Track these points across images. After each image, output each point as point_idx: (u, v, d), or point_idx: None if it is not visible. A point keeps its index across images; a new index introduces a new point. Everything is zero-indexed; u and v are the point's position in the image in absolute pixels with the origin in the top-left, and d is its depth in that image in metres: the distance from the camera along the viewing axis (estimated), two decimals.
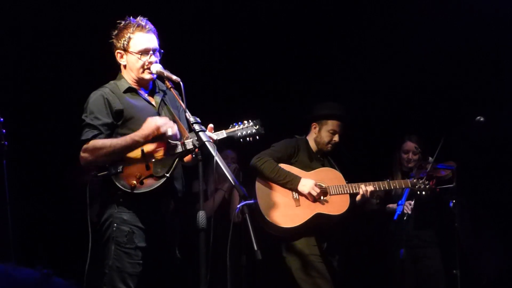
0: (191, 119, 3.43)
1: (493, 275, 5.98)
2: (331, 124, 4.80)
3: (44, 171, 5.37)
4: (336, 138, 4.79)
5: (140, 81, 3.74)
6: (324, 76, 6.05)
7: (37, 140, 5.37)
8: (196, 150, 3.48)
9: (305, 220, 4.53)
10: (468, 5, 5.62)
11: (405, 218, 4.68)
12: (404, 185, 4.78)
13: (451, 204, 4.95)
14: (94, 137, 3.52)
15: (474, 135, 5.19)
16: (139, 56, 3.66)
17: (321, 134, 4.82)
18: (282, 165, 4.64)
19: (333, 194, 4.63)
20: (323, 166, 4.81)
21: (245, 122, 3.73)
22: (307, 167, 4.73)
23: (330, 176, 4.72)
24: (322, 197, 4.59)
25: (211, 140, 3.40)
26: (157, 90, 3.83)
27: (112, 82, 3.75)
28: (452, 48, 5.81)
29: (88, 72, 5.11)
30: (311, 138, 4.88)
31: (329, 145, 4.81)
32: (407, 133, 5.62)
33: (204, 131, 3.41)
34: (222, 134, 3.64)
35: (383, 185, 4.70)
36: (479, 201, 5.91)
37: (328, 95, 6.06)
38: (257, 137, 3.67)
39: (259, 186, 4.58)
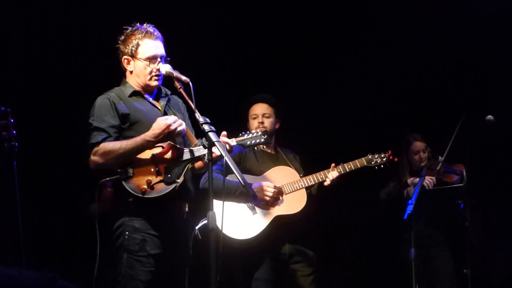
0: (201, 119, 3.42)
1: (503, 275, 5.97)
2: (250, 112, 4.78)
3: (54, 173, 5.38)
4: (259, 119, 4.72)
5: (146, 88, 3.75)
6: (328, 76, 6.04)
7: (47, 141, 5.38)
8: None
9: (265, 226, 4.43)
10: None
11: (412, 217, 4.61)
12: (359, 163, 4.64)
13: (462, 207, 4.91)
14: (104, 140, 3.53)
15: (485, 135, 5.15)
16: (147, 63, 3.67)
17: (249, 125, 4.78)
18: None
19: (288, 193, 4.54)
20: (276, 162, 4.72)
21: (253, 131, 3.81)
22: (258, 171, 4.63)
23: (283, 175, 4.62)
24: (280, 198, 4.51)
25: (220, 141, 3.40)
26: (162, 95, 3.84)
27: (116, 88, 3.76)
28: (462, 46, 5.79)
29: (98, 74, 5.11)
30: None
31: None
32: (409, 132, 5.57)
33: (214, 131, 3.40)
34: (232, 141, 3.65)
35: (338, 169, 4.57)
36: (490, 201, 5.88)
37: (332, 95, 6.08)
38: (264, 146, 3.76)
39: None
